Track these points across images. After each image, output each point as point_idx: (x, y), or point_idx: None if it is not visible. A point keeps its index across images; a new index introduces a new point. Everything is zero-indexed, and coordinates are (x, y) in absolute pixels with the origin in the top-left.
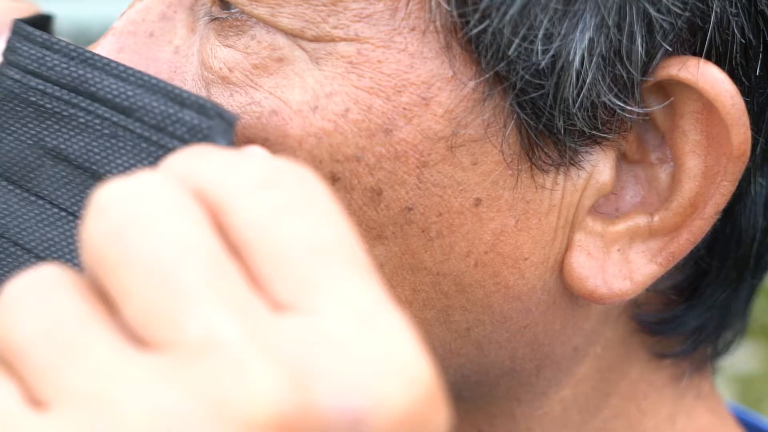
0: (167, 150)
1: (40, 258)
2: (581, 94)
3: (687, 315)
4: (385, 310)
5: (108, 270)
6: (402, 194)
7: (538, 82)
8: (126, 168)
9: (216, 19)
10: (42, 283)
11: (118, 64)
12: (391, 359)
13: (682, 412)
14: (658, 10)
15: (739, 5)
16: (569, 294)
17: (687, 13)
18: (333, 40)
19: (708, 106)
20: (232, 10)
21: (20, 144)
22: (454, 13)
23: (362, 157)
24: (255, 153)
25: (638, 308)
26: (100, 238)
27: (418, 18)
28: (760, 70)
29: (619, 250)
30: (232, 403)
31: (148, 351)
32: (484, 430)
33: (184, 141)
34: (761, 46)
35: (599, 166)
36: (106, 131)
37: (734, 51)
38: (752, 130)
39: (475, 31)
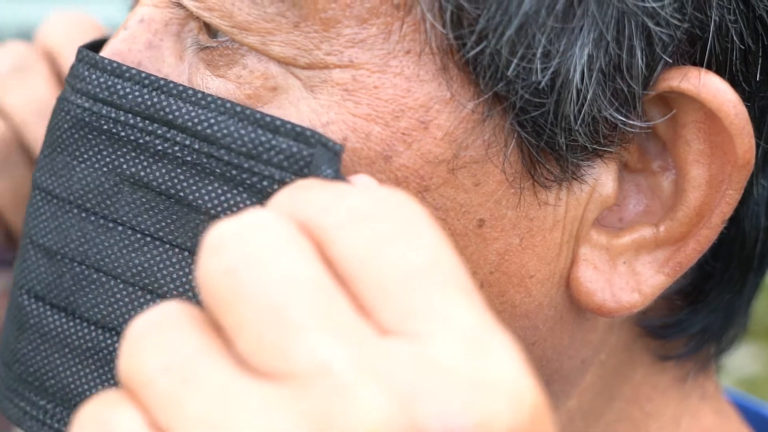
0: (263, 177)
1: (129, 284)
2: (582, 110)
3: (692, 318)
4: (489, 330)
5: (222, 305)
6: None
7: (538, 100)
8: (218, 194)
9: (205, 48)
10: (163, 319)
11: (195, 91)
12: (497, 379)
13: (687, 412)
14: (657, 23)
15: (737, 12)
16: (576, 308)
17: (686, 24)
18: (327, 67)
19: (710, 116)
20: (221, 39)
21: (94, 172)
22: (450, 35)
23: None
24: (361, 182)
25: (643, 314)
26: (214, 275)
27: (413, 41)
28: (760, 74)
29: (625, 263)
30: (342, 426)
31: (262, 380)
32: None
33: (282, 168)
34: (761, 50)
35: (602, 179)
36: (188, 158)
37: (734, 58)
38: (754, 133)
39: (472, 52)
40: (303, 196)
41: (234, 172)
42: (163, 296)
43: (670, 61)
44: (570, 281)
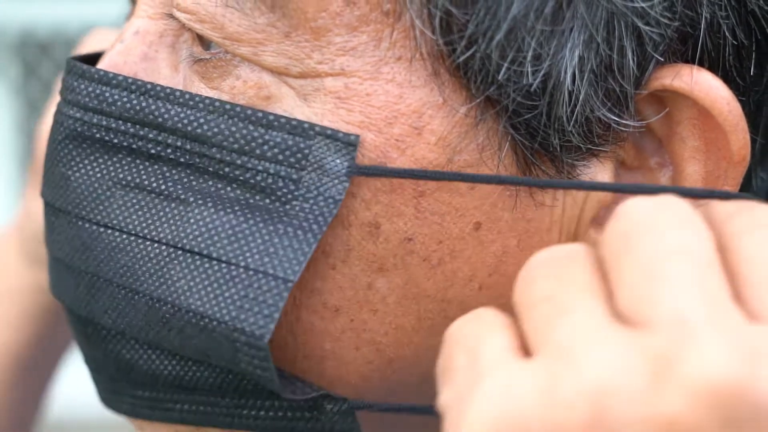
0: (256, 172)
1: (119, 286)
2: (575, 111)
3: None
4: None
5: (613, 258)
6: (400, 226)
7: (530, 103)
8: (211, 192)
9: (199, 60)
10: (564, 255)
11: (183, 92)
12: None
13: None
14: (647, 23)
15: (728, 8)
16: None
17: (676, 23)
18: (319, 75)
19: (704, 113)
20: (214, 50)
21: (88, 179)
22: (440, 41)
23: (357, 194)
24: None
25: None
26: (613, 236)
27: (403, 47)
28: (754, 69)
29: None
30: (679, 365)
31: (625, 327)
32: None
33: (277, 162)
34: (754, 45)
35: (598, 178)
36: (180, 160)
37: (727, 54)
38: (749, 128)
39: (462, 57)
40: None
41: (227, 169)
42: (144, 294)
43: (662, 59)
44: None
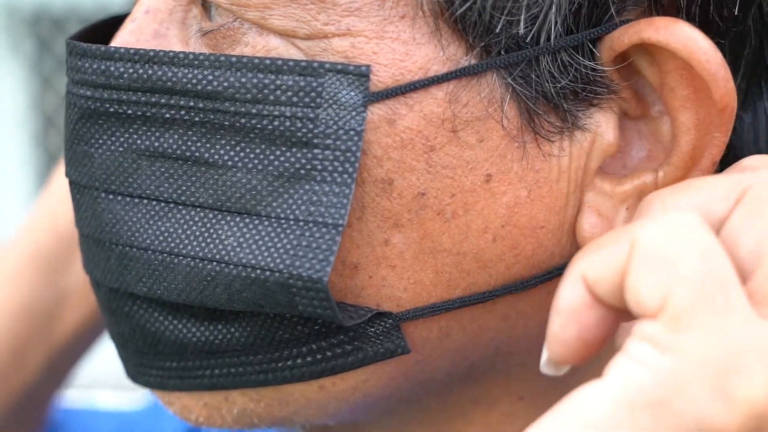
0: (273, 117)
1: (157, 252)
2: (557, 59)
3: None
4: None
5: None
6: (413, 181)
7: (522, 51)
8: (233, 146)
9: (208, 33)
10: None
11: (186, 53)
12: None
13: None
14: None
15: None
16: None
17: None
18: (326, 36)
19: (687, 62)
20: (222, 21)
21: (112, 154)
22: None
23: (369, 151)
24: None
25: None
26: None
27: (406, 5)
28: (738, 11)
29: (628, 209)
30: None
31: (758, 307)
32: (524, 395)
33: (292, 104)
34: None
35: (602, 127)
36: (195, 119)
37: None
38: (731, 70)
39: (460, 10)
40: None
41: (243, 120)
42: (186, 256)
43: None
44: (576, 227)
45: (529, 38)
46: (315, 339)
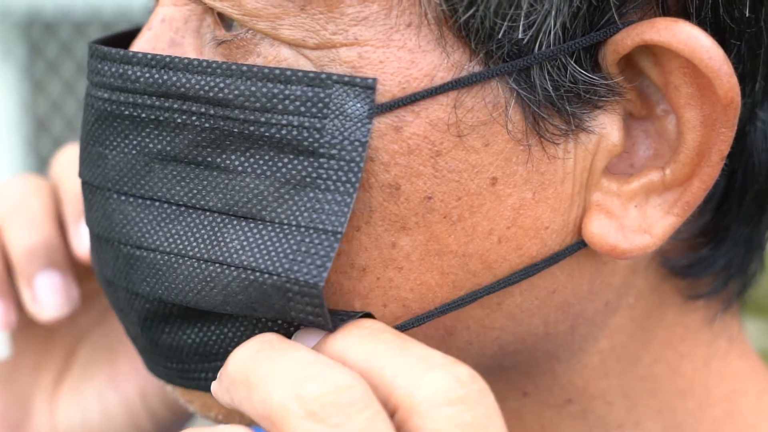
0: (281, 126)
1: (165, 253)
2: (557, 64)
3: (715, 254)
4: None
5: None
6: (420, 185)
7: (525, 57)
8: (241, 152)
9: (222, 43)
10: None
11: (200, 60)
12: None
13: (717, 355)
14: None
15: None
16: (592, 254)
17: None
18: (334, 46)
19: (690, 61)
20: (235, 31)
21: (125, 156)
22: (443, 4)
23: (376, 157)
24: (367, 325)
25: (667, 256)
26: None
27: (411, 14)
28: (748, 12)
29: (636, 207)
30: None
31: None
32: (529, 391)
33: (300, 114)
34: None
35: (607, 128)
36: (206, 125)
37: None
38: (747, 69)
39: (463, 18)
40: (382, 358)
41: (252, 128)
42: (191, 258)
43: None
44: (584, 227)
45: (528, 42)
46: None
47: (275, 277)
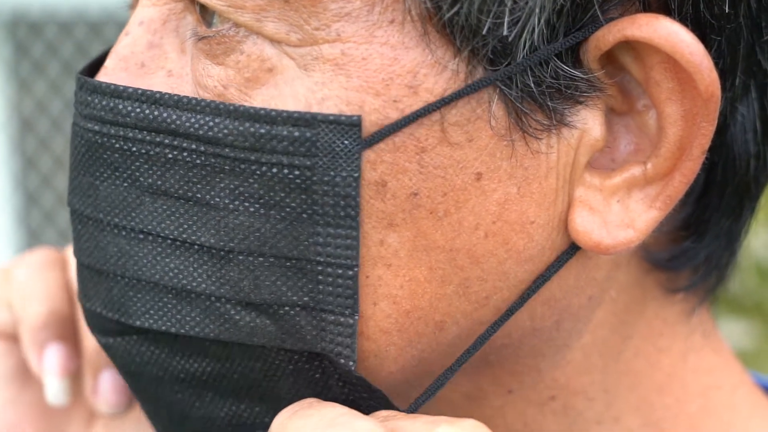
0: (271, 165)
1: (166, 287)
2: (539, 60)
3: (697, 246)
4: None
5: None
6: (406, 182)
7: (507, 53)
8: (232, 189)
9: (203, 38)
10: None
11: (189, 98)
12: None
13: (693, 349)
14: None
15: None
16: (577, 249)
17: None
18: (317, 42)
19: (671, 56)
20: (217, 27)
21: (116, 188)
22: (428, 2)
23: (361, 155)
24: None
25: (649, 249)
26: None
27: (395, 10)
28: (728, 8)
29: (618, 201)
30: None
31: None
32: (514, 389)
33: (288, 153)
34: None
35: (589, 123)
36: (197, 161)
37: None
38: (727, 64)
39: (448, 15)
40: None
41: (243, 166)
42: (200, 294)
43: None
44: (568, 223)
45: (513, 40)
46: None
47: (308, 309)
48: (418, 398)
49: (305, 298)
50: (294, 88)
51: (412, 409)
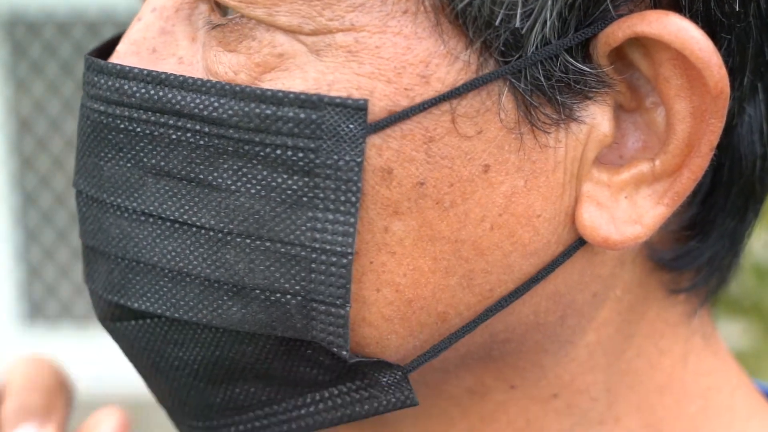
0: (275, 146)
1: (164, 269)
2: (550, 54)
3: (701, 246)
4: None
5: None
6: (412, 170)
7: (519, 46)
8: (235, 171)
9: (217, 26)
10: None
11: (195, 79)
12: None
13: (693, 351)
14: None
15: None
16: (582, 243)
17: None
18: (330, 31)
19: (680, 52)
20: (231, 16)
21: (120, 169)
22: None
23: (368, 141)
24: None
25: (654, 248)
26: None
27: (408, 1)
28: (738, 6)
29: (626, 197)
30: None
31: None
32: (517, 384)
33: (293, 135)
34: None
35: (597, 119)
36: (200, 142)
37: None
38: (737, 63)
39: (461, 5)
40: None
41: (246, 147)
42: (197, 277)
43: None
44: (575, 218)
45: (526, 31)
46: (332, 384)
47: (299, 298)
48: (414, 360)
49: (296, 287)
50: (304, 71)
51: (410, 369)
